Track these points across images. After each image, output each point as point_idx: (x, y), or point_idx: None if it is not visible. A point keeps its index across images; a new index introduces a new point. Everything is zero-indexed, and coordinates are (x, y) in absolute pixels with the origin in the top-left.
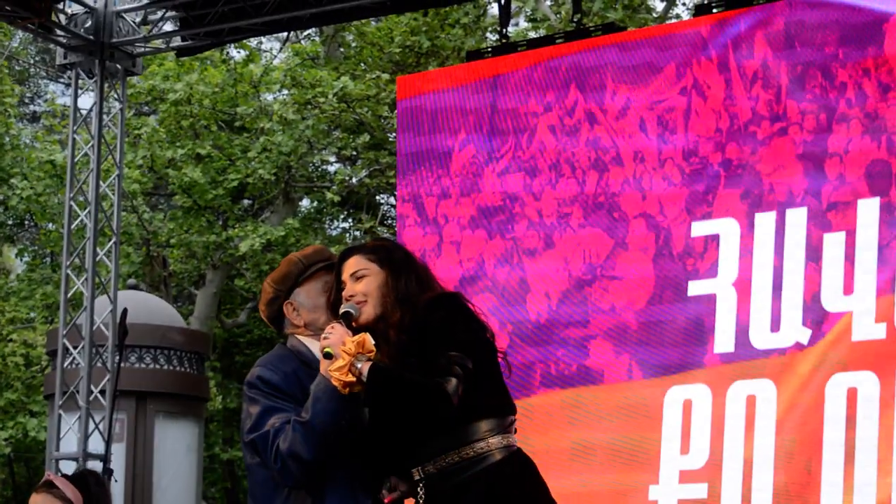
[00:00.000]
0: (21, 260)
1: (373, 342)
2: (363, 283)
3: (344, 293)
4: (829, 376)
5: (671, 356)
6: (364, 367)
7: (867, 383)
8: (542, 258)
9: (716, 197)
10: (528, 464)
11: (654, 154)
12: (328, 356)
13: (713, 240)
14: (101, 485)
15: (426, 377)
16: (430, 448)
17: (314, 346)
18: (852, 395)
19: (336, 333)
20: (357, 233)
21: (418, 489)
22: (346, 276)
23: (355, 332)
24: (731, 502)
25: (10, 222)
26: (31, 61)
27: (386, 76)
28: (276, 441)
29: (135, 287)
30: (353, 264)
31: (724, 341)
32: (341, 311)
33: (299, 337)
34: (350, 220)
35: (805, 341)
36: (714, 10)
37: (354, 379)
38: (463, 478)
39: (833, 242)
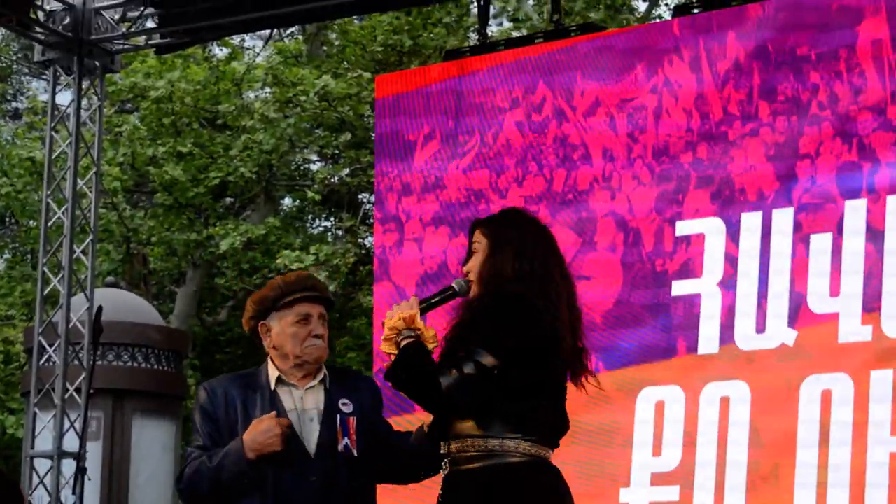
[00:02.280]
0: (1, 258)
1: (420, 320)
2: (473, 258)
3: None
4: (805, 378)
5: (641, 356)
6: (404, 342)
7: (840, 385)
8: None
9: (686, 196)
10: (547, 475)
11: (623, 153)
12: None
13: (685, 240)
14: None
15: (438, 367)
16: (454, 430)
17: (275, 375)
18: (826, 396)
19: (401, 307)
20: (339, 231)
21: (443, 462)
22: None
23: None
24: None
25: None
26: (13, 58)
27: (368, 75)
28: (186, 463)
29: (114, 285)
30: (472, 237)
31: (707, 342)
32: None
33: (270, 361)
34: (332, 218)
35: (791, 343)
36: (694, 11)
37: (396, 353)
38: (471, 467)
39: (820, 243)
